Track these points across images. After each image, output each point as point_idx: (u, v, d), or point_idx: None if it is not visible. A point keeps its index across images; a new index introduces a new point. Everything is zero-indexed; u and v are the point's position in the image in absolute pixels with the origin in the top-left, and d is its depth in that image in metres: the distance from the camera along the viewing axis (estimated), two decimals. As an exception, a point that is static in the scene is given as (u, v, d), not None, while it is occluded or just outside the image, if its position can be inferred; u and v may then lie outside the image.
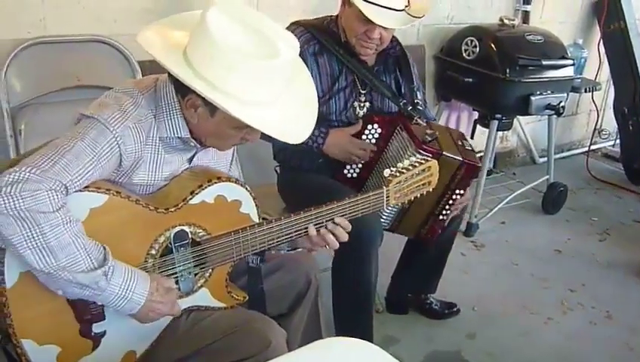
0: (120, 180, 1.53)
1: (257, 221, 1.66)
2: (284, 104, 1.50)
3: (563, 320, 2.99)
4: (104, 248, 1.43)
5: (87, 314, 1.51)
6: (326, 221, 1.73)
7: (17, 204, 1.29)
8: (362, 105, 2.42)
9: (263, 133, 1.50)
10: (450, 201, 2.36)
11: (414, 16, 2.26)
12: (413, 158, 1.89)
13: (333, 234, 1.74)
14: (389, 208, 2.34)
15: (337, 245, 1.77)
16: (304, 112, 1.57)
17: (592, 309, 3.09)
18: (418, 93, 2.49)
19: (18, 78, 2.40)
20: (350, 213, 1.76)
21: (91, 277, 1.39)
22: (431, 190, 1.94)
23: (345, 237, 1.76)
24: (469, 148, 2.37)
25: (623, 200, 4.45)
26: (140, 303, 1.47)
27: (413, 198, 1.91)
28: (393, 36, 2.40)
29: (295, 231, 1.69)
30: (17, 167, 1.34)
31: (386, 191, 1.81)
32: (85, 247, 1.38)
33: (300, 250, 1.86)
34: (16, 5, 2.42)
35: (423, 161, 1.88)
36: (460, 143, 2.35)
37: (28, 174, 1.32)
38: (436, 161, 1.92)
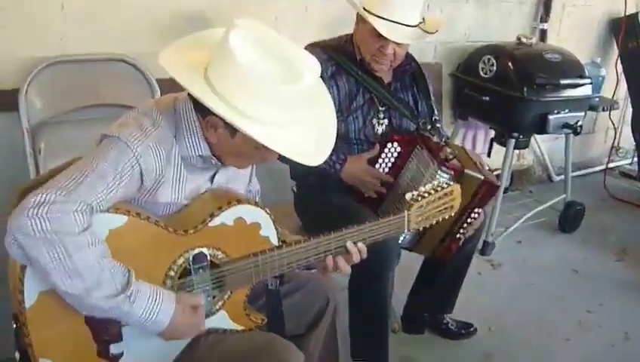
0: (144, 199, 1.54)
1: (277, 244, 1.65)
2: (305, 124, 1.50)
3: (581, 341, 2.96)
4: (128, 271, 1.43)
5: (104, 334, 1.49)
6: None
7: (44, 226, 1.30)
8: (381, 122, 2.43)
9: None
10: (469, 220, 2.34)
11: (428, 32, 2.26)
12: (435, 182, 1.87)
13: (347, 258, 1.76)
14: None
15: (349, 270, 1.78)
16: (323, 133, 1.57)
17: (610, 330, 3.05)
18: (435, 109, 2.49)
19: (38, 97, 2.42)
20: (370, 237, 1.76)
21: (114, 302, 1.39)
22: (452, 214, 1.93)
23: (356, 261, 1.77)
24: (487, 168, 2.36)
25: (641, 219, 4.40)
26: (165, 324, 1.47)
27: (435, 222, 1.90)
28: (408, 53, 2.41)
29: (314, 255, 1.69)
30: (43, 188, 1.35)
31: (407, 215, 1.81)
32: (110, 269, 1.39)
33: (314, 271, 1.86)
34: (37, 24, 2.44)
35: (444, 186, 1.87)
36: (478, 163, 2.35)
37: (54, 196, 1.33)
38: (459, 186, 1.91)
